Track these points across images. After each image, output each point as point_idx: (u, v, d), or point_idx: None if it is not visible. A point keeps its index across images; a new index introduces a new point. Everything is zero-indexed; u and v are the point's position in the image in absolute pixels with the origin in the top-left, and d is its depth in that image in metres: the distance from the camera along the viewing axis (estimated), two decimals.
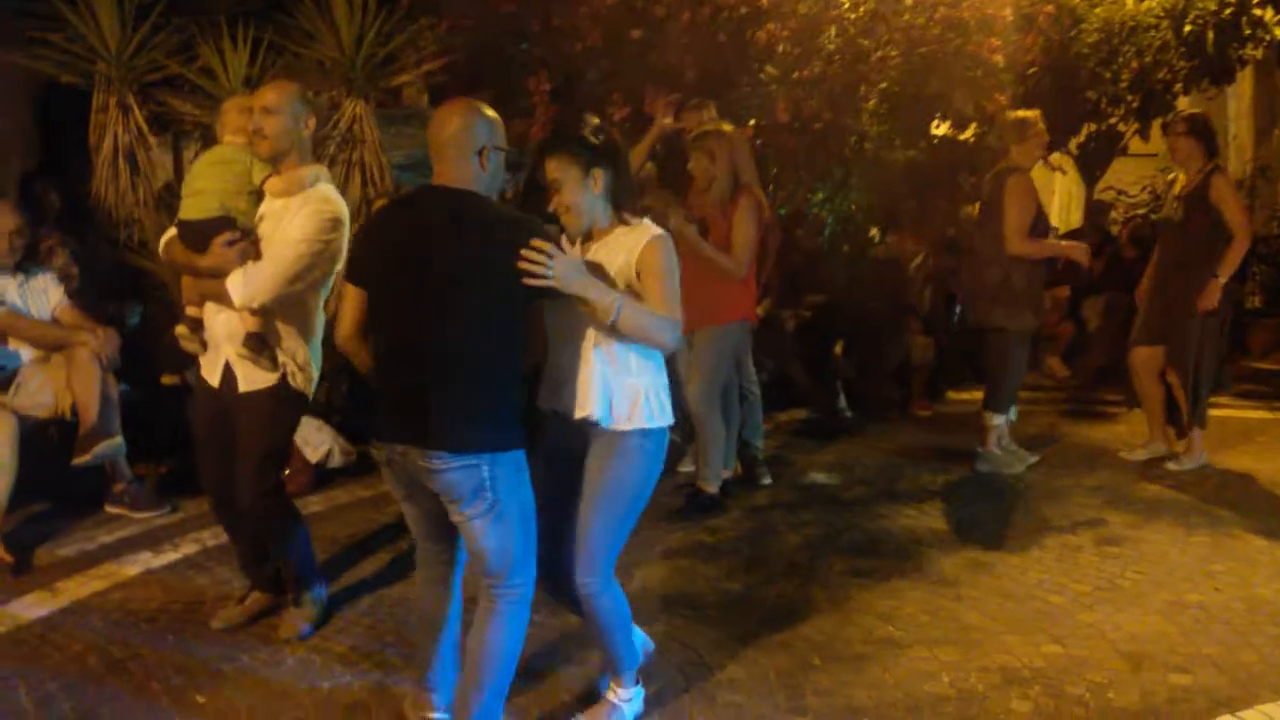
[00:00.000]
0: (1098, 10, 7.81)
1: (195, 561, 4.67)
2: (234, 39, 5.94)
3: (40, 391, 5.08)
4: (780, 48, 6.53)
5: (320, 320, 3.89)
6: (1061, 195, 11.09)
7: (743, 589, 4.45)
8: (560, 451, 3.23)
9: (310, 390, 3.88)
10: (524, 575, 3.04)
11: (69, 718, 3.39)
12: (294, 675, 3.67)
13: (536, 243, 2.81)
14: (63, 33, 6.01)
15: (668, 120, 5.76)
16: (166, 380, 5.69)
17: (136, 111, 6.00)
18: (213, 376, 3.88)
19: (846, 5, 6.72)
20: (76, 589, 4.35)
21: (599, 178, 3.08)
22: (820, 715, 3.46)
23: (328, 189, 3.78)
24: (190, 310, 3.93)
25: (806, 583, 4.50)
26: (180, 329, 3.96)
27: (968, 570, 4.65)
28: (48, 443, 5.11)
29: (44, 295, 5.32)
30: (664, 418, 3.20)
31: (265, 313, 3.72)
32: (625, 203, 3.16)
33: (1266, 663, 3.83)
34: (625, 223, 3.15)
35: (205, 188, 3.79)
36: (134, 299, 6.37)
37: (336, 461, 5.69)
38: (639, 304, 3.02)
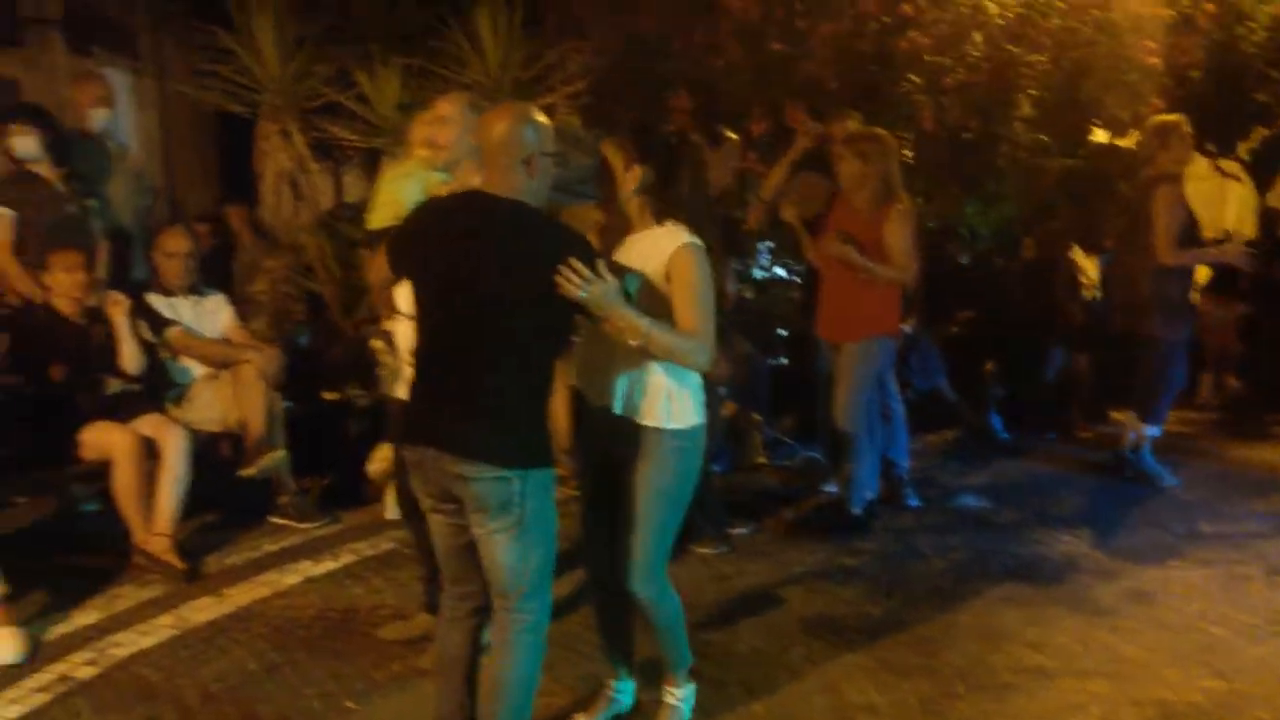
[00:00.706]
0: (1266, 7, 7.43)
1: (352, 571, 4.84)
2: (386, 66, 6.18)
3: (209, 406, 5.36)
4: (924, 56, 6.42)
5: None
6: (1235, 204, 10.56)
7: (884, 613, 4.37)
8: (596, 455, 3.27)
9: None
10: (539, 600, 2.98)
11: (231, 716, 3.56)
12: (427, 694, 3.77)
13: (573, 263, 2.78)
14: (229, 64, 6.35)
15: (810, 134, 5.74)
16: (328, 396, 5.94)
17: (297, 138, 6.28)
18: (402, 389, 3.96)
19: (995, 12, 6.56)
20: (241, 595, 4.56)
21: (637, 174, 3.11)
22: None
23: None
24: (384, 323, 4.02)
25: (951, 608, 4.39)
26: (375, 342, 4.07)
27: (1125, 599, 4.48)
28: (217, 456, 5.41)
29: (215, 316, 5.63)
30: (696, 416, 3.18)
31: None
32: (666, 210, 3.15)
33: None
34: (663, 225, 3.15)
35: (387, 199, 3.95)
36: (302, 320, 6.68)
37: None
38: (667, 328, 2.98)
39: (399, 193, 3.94)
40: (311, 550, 5.08)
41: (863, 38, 6.64)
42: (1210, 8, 6.95)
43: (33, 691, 3.74)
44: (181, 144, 11.78)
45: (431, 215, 3.08)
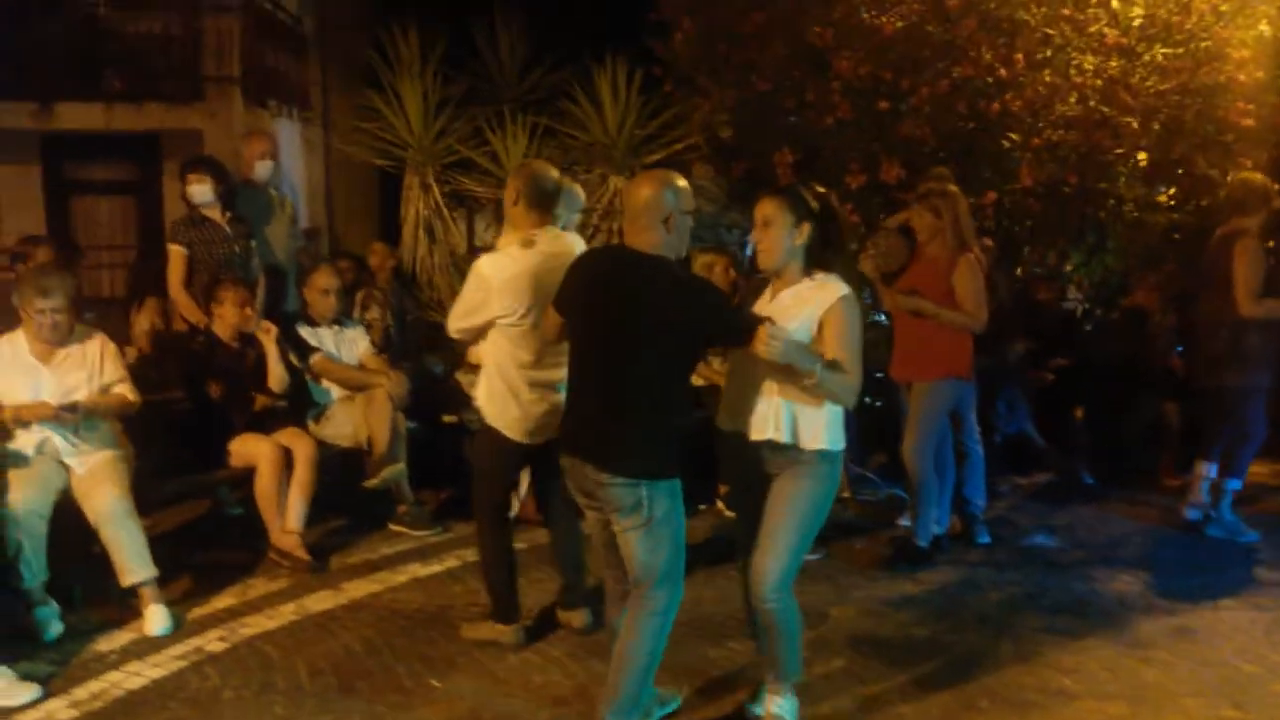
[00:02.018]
0: None
1: (455, 574, 5.41)
2: (512, 126, 6.83)
3: (344, 424, 6.06)
4: (1018, 116, 6.71)
5: (516, 363, 4.28)
6: None
7: (929, 635, 4.68)
8: (749, 482, 3.68)
9: (504, 426, 4.33)
10: (666, 589, 3.49)
11: (332, 686, 4.15)
12: (513, 671, 4.28)
13: (766, 329, 3.27)
14: (377, 123, 7.12)
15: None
16: (446, 419, 6.57)
17: (435, 189, 6.98)
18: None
19: (1090, 71, 6.80)
20: (356, 590, 5.18)
21: (805, 231, 3.53)
22: None
23: (488, 256, 4.37)
24: (471, 357, 4.65)
25: (996, 635, 4.67)
26: (461, 374, 4.70)
27: (1166, 635, 4.67)
28: (349, 468, 6.08)
29: (354, 345, 6.34)
30: (841, 442, 3.61)
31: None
32: (819, 262, 3.59)
33: None
34: (812, 277, 3.59)
35: None
36: (435, 351, 7.36)
37: None
38: (833, 372, 3.42)
39: None
40: (421, 554, 5.68)
41: (960, 99, 6.95)
42: None
43: (172, 659, 4.41)
44: (343, 189, 12.84)
45: (586, 267, 3.67)
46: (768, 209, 3.55)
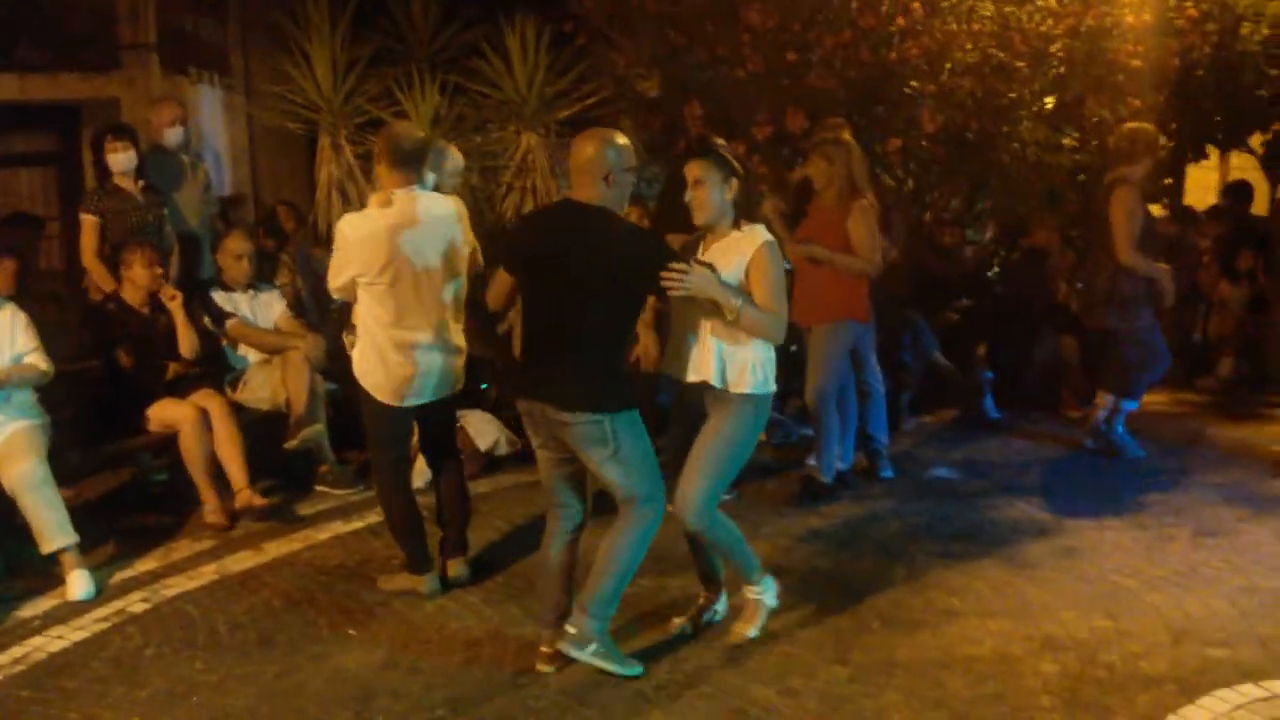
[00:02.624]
0: (1272, 8, 7.70)
1: (375, 529, 5.51)
2: (423, 85, 6.89)
3: (261, 388, 6.14)
4: (917, 64, 6.89)
5: (379, 323, 4.38)
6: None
7: (831, 565, 4.91)
8: (686, 422, 3.99)
9: (374, 389, 4.45)
10: (651, 504, 3.81)
11: (251, 640, 4.28)
12: (429, 618, 4.44)
13: (675, 265, 3.60)
14: (289, 86, 7.15)
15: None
16: None
17: (347, 150, 7.03)
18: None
19: (988, 17, 6.98)
20: (277, 549, 5.29)
21: (734, 186, 3.82)
22: (860, 667, 3.92)
23: (349, 215, 4.51)
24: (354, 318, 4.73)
25: (892, 562, 4.91)
26: (345, 334, 4.81)
27: (1053, 555, 4.94)
28: (270, 431, 6.17)
29: (269, 308, 6.41)
30: (767, 386, 3.89)
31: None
32: (744, 213, 3.89)
33: None
34: (739, 228, 3.87)
35: None
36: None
37: (503, 450, 6.49)
38: (755, 307, 3.73)
39: None
40: (343, 512, 5.81)
41: (863, 48, 7.11)
42: (1192, 12, 7.26)
43: (95, 621, 4.50)
44: (267, 154, 12.75)
45: (534, 221, 4.03)
46: (697, 170, 3.84)
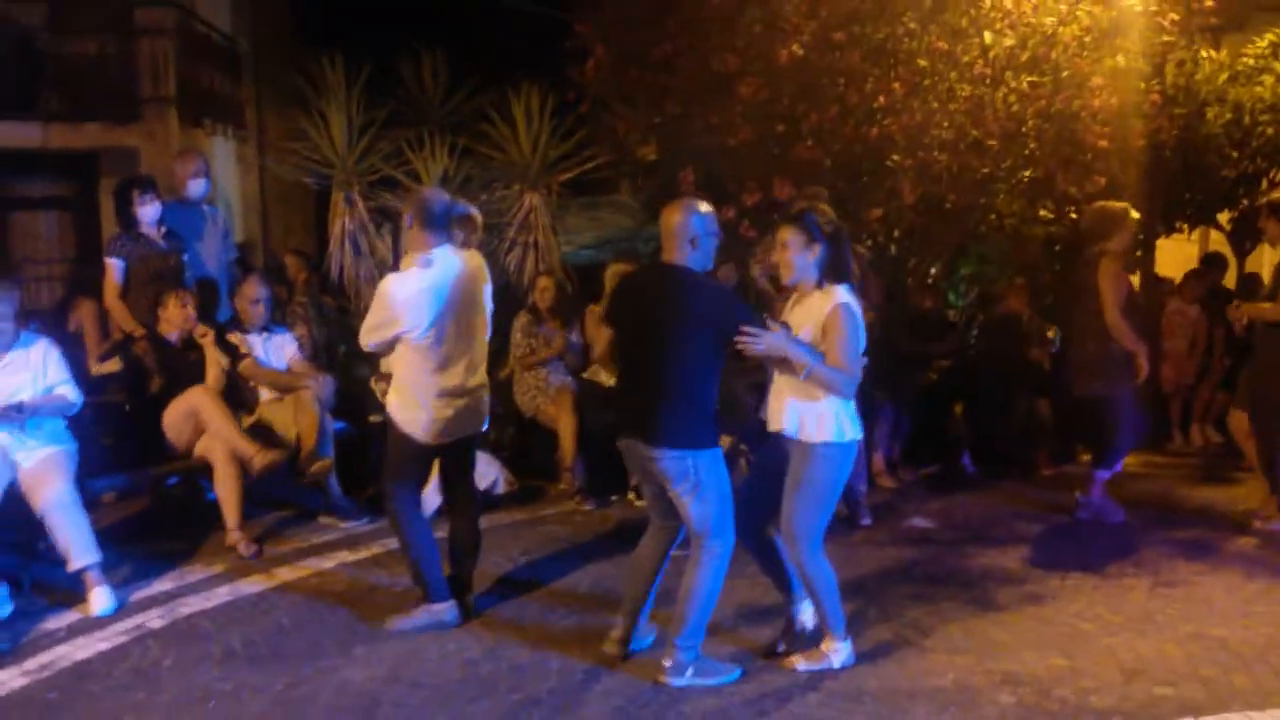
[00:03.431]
0: (1234, 94, 8.17)
1: (380, 560, 5.83)
2: (434, 146, 7.31)
3: (273, 425, 6.47)
4: (898, 140, 7.31)
5: (422, 375, 4.70)
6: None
7: None
8: (770, 454, 4.41)
9: (414, 430, 4.76)
10: (722, 539, 4.24)
11: (264, 654, 4.58)
12: (430, 640, 4.72)
13: (747, 329, 4.02)
14: (306, 143, 7.56)
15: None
16: (372, 419, 7.01)
17: (360, 205, 7.42)
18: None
19: (964, 97, 7.41)
20: (287, 574, 5.60)
21: (815, 250, 4.21)
22: (830, 693, 4.21)
23: (394, 276, 4.73)
24: (383, 366, 5.08)
25: (867, 602, 5.20)
26: (374, 381, 5.12)
27: (1019, 600, 5.25)
28: (282, 466, 6.47)
29: (281, 350, 6.75)
30: (845, 433, 4.24)
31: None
32: (830, 276, 4.23)
33: (1256, 684, 4.30)
34: (822, 288, 4.25)
35: None
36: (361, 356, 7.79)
37: (501, 489, 6.81)
38: (824, 365, 4.10)
39: None
40: (350, 543, 6.11)
41: (847, 123, 7.54)
42: (1156, 98, 7.72)
43: (116, 634, 4.80)
44: (278, 205, 13.19)
45: (629, 282, 4.53)
46: (784, 234, 4.27)
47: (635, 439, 4.24)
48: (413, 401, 4.77)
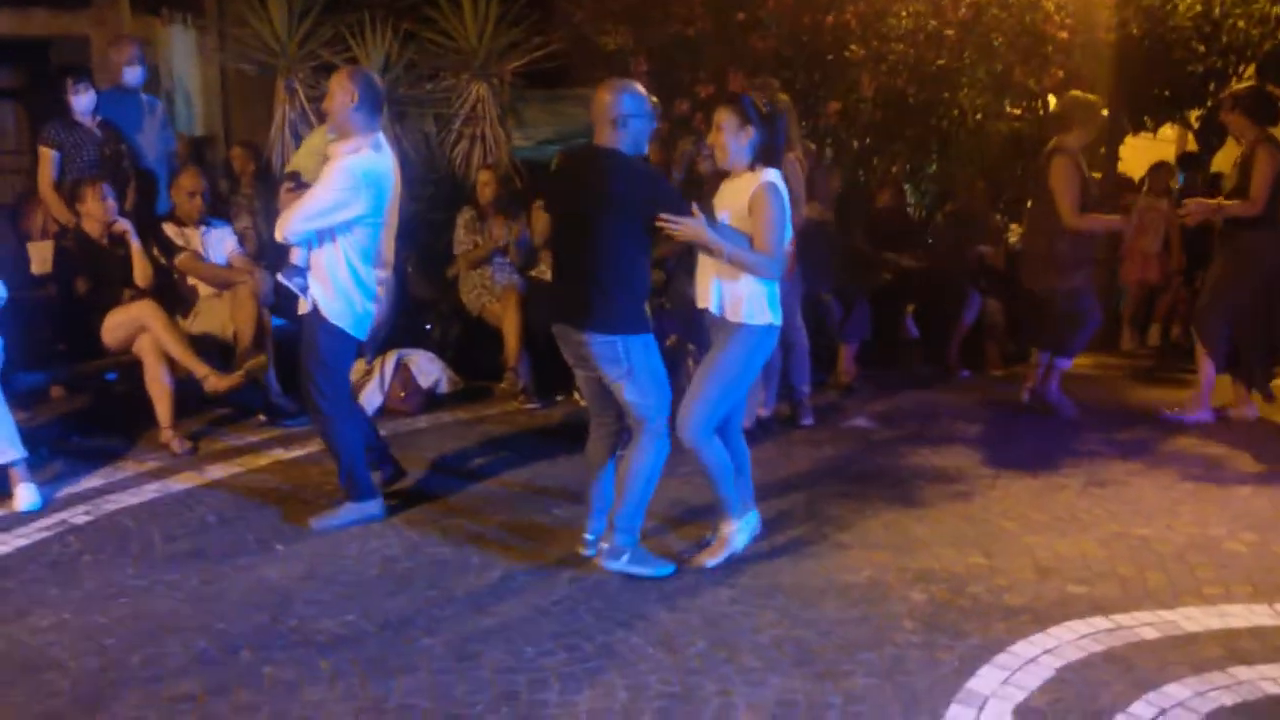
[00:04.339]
0: None
1: (314, 458, 5.79)
2: (376, 31, 7.09)
3: (211, 320, 6.39)
4: (854, 26, 7.10)
5: (359, 264, 4.60)
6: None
7: None
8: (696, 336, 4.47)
9: (344, 323, 4.65)
10: (660, 423, 4.22)
11: (183, 551, 4.57)
12: (352, 537, 4.71)
13: (665, 216, 3.96)
14: (249, 30, 7.34)
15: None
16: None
17: (300, 94, 7.23)
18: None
19: None
20: (218, 472, 5.57)
21: (749, 133, 4.14)
22: (744, 589, 4.22)
23: (356, 156, 4.52)
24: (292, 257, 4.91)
25: (793, 499, 5.21)
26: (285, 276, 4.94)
27: (946, 499, 5.25)
28: (218, 363, 6.41)
29: (221, 244, 6.63)
30: (764, 317, 4.20)
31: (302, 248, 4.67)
32: (763, 159, 4.18)
33: (1170, 582, 4.31)
34: (753, 170, 4.19)
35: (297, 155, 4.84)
36: None
37: (445, 388, 6.78)
38: (743, 249, 4.08)
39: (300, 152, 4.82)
40: (284, 441, 6.08)
41: (805, 11, 7.32)
42: None
43: (38, 531, 4.77)
44: (239, 96, 12.88)
45: (559, 164, 4.45)
46: (719, 116, 4.21)
47: (565, 324, 4.23)
48: (346, 294, 4.64)
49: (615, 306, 4.11)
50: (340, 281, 4.65)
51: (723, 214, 4.21)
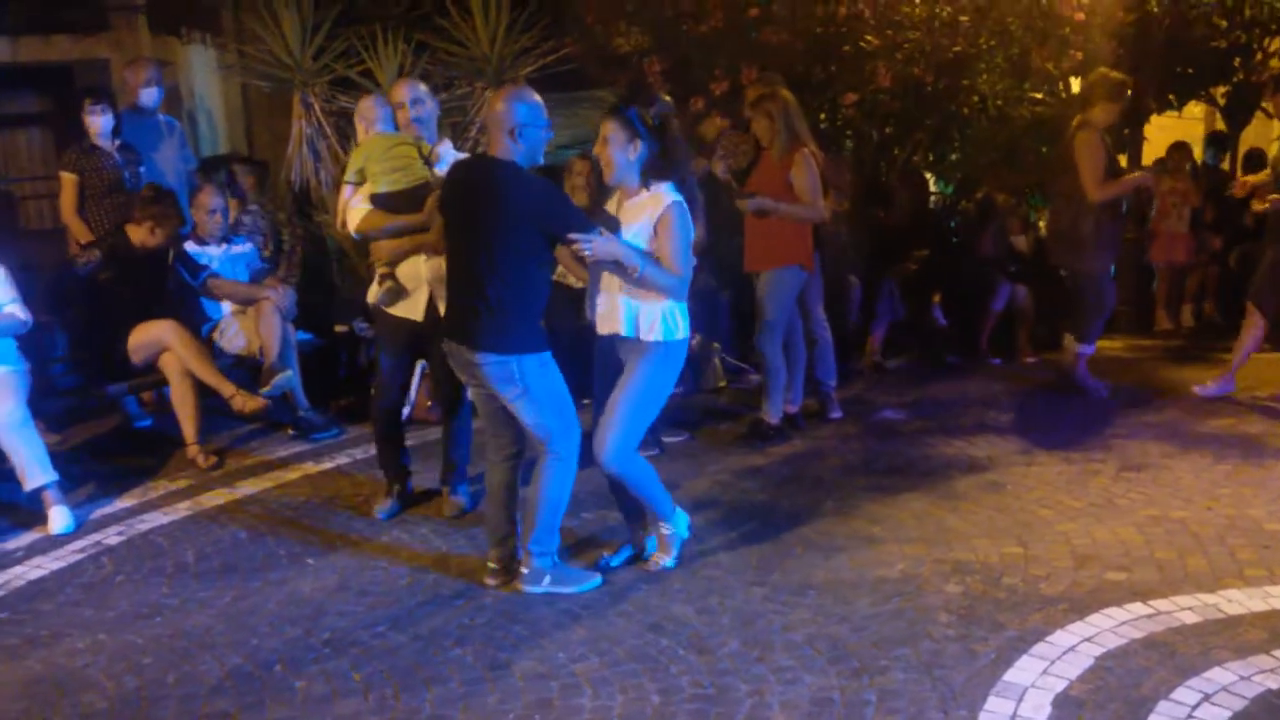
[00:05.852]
0: None
1: (344, 470, 5.83)
2: (391, 43, 7.10)
3: (237, 336, 6.42)
4: (867, 16, 7.04)
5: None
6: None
7: (765, 498, 5.17)
8: (606, 355, 4.21)
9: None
10: (564, 443, 4.03)
11: (215, 568, 4.59)
12: (382, 549, 4.72)
13: (575, 236, 3.82)
14: (262, 45, 7.36)
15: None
16: (338, 329, 6.95)
17: (316, 108, 7.24)
18: (415, 312, 4.84)
19: None
20: (250, 487, 5.60)
21: (637, 147, 4.00)
22: (776, 587, 4.18)
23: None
24: (382, 269, 4.87)
25: (825, 495, 5.16)
26: (388, 283, 4.92)
27: (978, 489, 5.19)
28: (246, 379, 6.45)
29: (240, 261, 6.67)
30: (680, 331, 4.10)
31: None
32: (654, 174, 4.05)
33: (1210, 566, 4.24)
34: (648, 188, 4.05)
35: (404, 164, 4.80)
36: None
37: (470, 397, 6.75)
38: (655, 266, 3.96)
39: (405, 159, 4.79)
40: (314, 454, 6.11)
41: (818, 3, 7.27)
42: None
43: (72, 552, 4.82)
44: (262, 113, 12.96)
45: (457, 173, 4.14)
46: (604, 128, 4.03)
47: (457, 342, 4.01)
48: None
49: (508, 325, 3.92)
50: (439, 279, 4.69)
51: (625, 231, 4.05)
